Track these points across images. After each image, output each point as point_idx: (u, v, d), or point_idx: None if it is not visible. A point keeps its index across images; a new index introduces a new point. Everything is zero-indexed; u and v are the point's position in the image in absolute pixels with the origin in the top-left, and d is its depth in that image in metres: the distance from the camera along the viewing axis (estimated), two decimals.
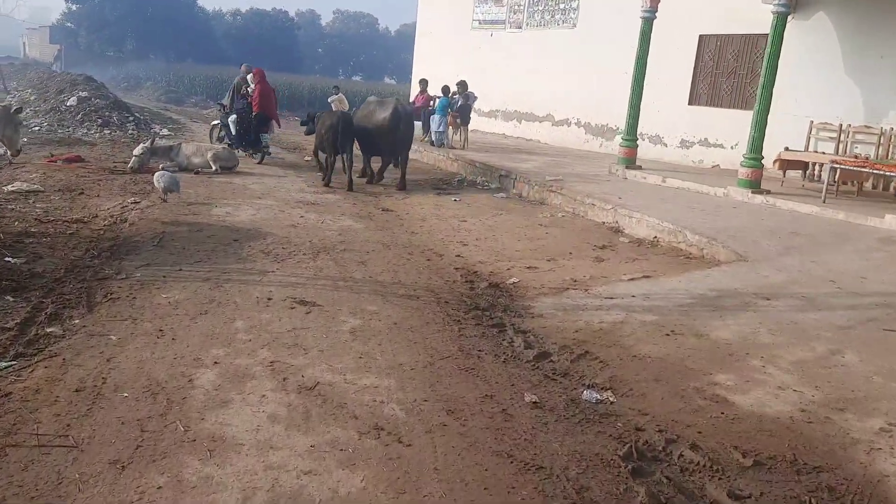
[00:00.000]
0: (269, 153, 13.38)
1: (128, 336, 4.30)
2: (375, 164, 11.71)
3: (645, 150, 14.36)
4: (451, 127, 14.43)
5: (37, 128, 16.15)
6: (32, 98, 22.74)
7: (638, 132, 14.53)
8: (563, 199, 9.64)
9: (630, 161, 11.46)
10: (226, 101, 14.04)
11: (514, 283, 6.21)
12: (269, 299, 5.20)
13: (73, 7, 60.33)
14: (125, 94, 36.18)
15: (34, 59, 60.93)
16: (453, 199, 10.24)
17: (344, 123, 10.63)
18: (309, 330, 4.63)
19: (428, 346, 4.56)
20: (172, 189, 8.42)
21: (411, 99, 21.29)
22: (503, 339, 4.82)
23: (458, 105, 14.22)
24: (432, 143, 14.45)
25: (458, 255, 7.07)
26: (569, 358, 4.53)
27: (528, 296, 5.86)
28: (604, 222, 8.71)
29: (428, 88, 16.09)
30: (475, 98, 14.71)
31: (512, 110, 19.13)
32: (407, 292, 5.70)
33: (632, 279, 6.25)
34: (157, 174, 8.59)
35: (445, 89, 14.25)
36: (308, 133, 12.29)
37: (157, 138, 11.77)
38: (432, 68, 21.21)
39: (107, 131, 16.17)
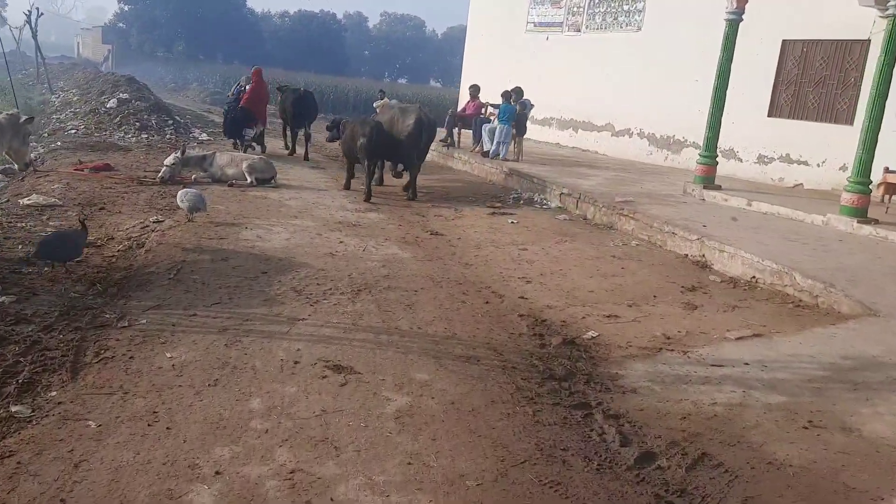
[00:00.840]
0: (253, 147, 13.82)
1: (111, 421, 3.35)
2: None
3: (731, 167, 13.10)
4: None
5: (73, 130, 15.60)
6: (75, 99, 22.43)
7: (728, 147, 13.28)
8: (636, 224, 8.48)
9: (708, 180, 10.22)
10: (229, 99, 15.37)
11: (592, 338, 5.11)
12: (297, 362, 4.20)
13: (125, 7, 61.05)
14: (171, 95, 36.04)
15: (86, 59, 61.89)
16: (510, 220, 9.16)
17: (378, 132, 10.26)
18: (343, 414, 3.61)
19: (496, 440, 3.50)
20: (198, 208, 7.54)
21: (460, 106, 20.31)
22: (591, 429, 3.73)
23: (516, 113, 13.12)
24: (485, 155, 13.38)
25: (522, 297, 5.99)
26: (682, 463, 3.43)
27: (613, 358, 4.76)
28: (687, 255, 7.54)
29: (480, 95, 15.03)
30: (531, 106, 13.58)
31: (568, 119, 17.97)
32: (465, 351, 4.65)
33: (740, 338, 5.10)
34: (180, 192, 7.71)
35: (507, 95, 13.17)
36: (331, 140, 12.03)
37: (188, 148, 10.87)
38: (483, 73, 20.18)
39: (144, 135, 15.52)
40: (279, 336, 4.60)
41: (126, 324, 4.60)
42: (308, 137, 14.48)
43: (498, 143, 13.16)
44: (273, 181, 10.69)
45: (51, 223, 7.27)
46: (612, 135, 16.51)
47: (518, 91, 13.55)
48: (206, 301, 5.18)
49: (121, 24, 62.28)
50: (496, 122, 13.49)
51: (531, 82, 16.37)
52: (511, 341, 4.94)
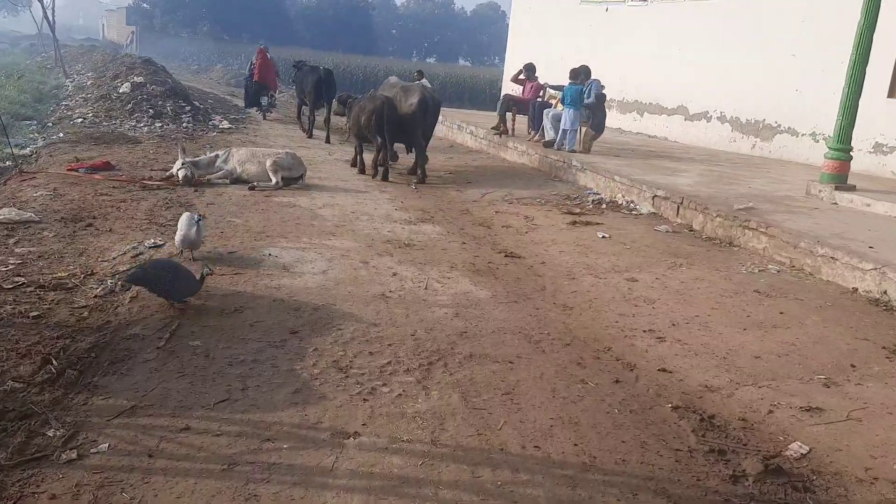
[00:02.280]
0: (270, 111, 17.45)
1: None
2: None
3: (817, 153, 11.09)
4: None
5: (79, 119, 13.98)
6: (89, 83, 20.86)
7: (810, 130, 11.28)
8: (769, 241, 6.55)
9: (840, 179, 8.21)
10: (247, 71, 18.75)
11: (804, 456, 3.26)
12: None
13: None
14: (194, 77, 34.49)
15: (110, 41, 60.74)
16: (599, 233, 7.27)
17: (389, 109, 9.77)
18: None
19: None
20: (190, 243, 5.65)
21: (505, 88, 18.37)
22: None
23: (596, 96, 11.15)
24: (547, 145, 11.46)
25: (663, 369, 4.15)
26: None
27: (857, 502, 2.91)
28: (856, 289, 5.62)
29: (537, 75, 13.09)
30: (601, 87, 11.56)
31: (631, 100, 15.94)
32: (621, 498, 2.84)
33: None
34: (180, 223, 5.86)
35: (575, 73, 11.20)
36: (339, 114, 12.17)
37: (186, 152, 9.02)
38: (531, 51, 18.22)
39: (158, 124, 13.86)
40: (319, 482, 2.81)
41: (74, 455, 2.86)
42: (328, 120, 14.17)
43: (564, 131, 11.23)
44: (302, 180, 8.92)
45: (18, 249, 5.58)
46: (685, 119, 14.47)
47: (585, 70, 11.56)
48: (208, 395, 3.43)
49: (144, 5, 61.01)
50: (560, 106, 11.55)
51: (587, 60, 14.37)
52: (682, 471, 3.11)
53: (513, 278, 5.74)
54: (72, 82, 22.58)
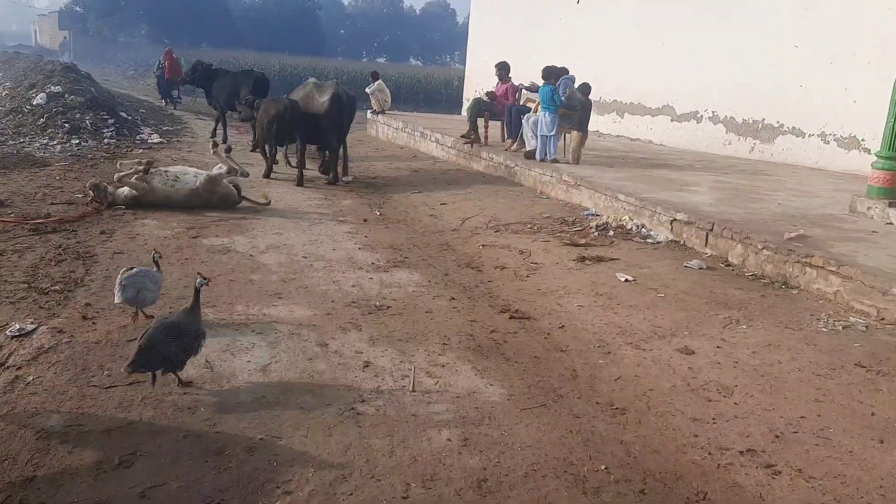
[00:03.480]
0: (179, 101, 21.70)
1: None
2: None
3: (828, 156, 9.89)
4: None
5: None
6: (3, 94, 18.61)
7: (818, 131, 10.04)
8: (842, 284, 5.13)
9: (893, 193, 6.87)
10: (156, 71, 23.48)
11: None
12: None
13: None
14: (130, 83, 32.20)
15: (42, 47, 57.34)
16: (619, 275, 5.76)
17: (293, 112, 9.53)
18: None
19: None
20: (138, 301, 4.23)
21: (467, 90, 16.90)
22: None
23: (567, 97, 9.66)
24: (529, 156, 9.94)
25: None
26: None
27: None
28: None
29: (510, 75, 11.57)
30: (571, 85, 10.01)
31: (609, 100, 14.58)
32: None
33: None
34: (120, 275, 4.24)
35: (549, 72, 9.70)
36: (244, 120, 11.75)
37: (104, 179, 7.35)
38: (494, 48, 16.79)
39: (75, 141, 11.95)
40: None
41: None
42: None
43: (544, 138, 9.72)
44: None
45: None
46: (671, 120, 13.16)
47: (557, 70, 10.01)
48: None
49: (77, 9, 57.80)
50: (539, 111, 10.06)
51: (559, 57, 12.96)
52: None
53: (529, 358, 4.18)
54: None
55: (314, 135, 9.92)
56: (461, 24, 77.75)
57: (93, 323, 4.27)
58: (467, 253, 6.54)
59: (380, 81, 16.60)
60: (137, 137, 13.16)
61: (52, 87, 15.16)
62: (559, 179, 8.89)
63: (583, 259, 6.22)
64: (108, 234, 6.42)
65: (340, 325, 4.49)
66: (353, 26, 73.19)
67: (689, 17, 12.57)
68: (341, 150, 10.21)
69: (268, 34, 56.39)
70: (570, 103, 9.68)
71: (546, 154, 9.74)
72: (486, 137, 11.42)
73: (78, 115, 13.16)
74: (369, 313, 4.73)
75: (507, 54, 16.47)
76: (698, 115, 12.50)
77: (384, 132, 16.12)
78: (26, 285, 4.97)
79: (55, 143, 11.80)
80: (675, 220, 6.80)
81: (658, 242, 6.81)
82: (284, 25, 57.92)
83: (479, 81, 19.00)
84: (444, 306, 4.99)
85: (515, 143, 10.66)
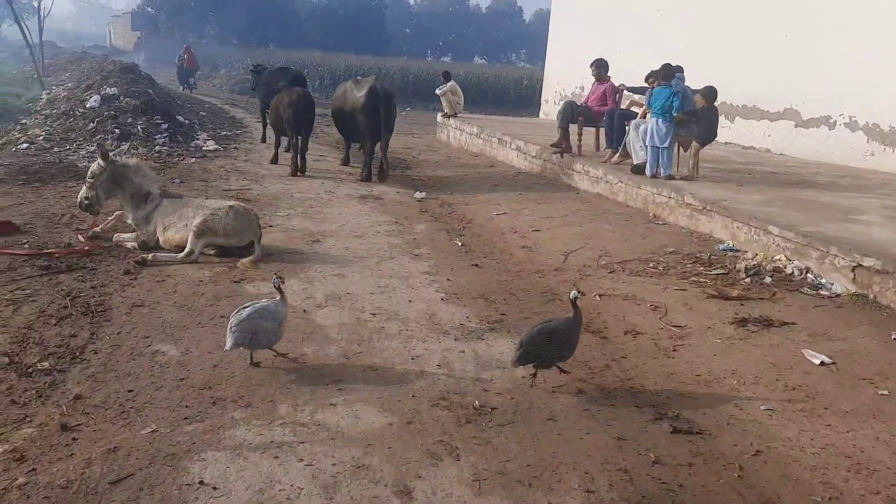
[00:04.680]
0: (195, 87, 26.15)
1: None
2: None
3: None
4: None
5: (25, 144, 11.04)
6: (62, 94, 18.00)
7: None
8: None
9: None
10: (177, 62, 27.42)
11: None
12: None
13: None
14: (198, 82, 31.70)
15: (115, 48, 58.29)
16: (811, 355, 4.10)
17: (305, 102, 9.74)
18: None
19: None
20: (254, 345, 3.69)
21: (546, 92, 15.39)
22: None
23: (679, 102, 8.00)
24: (638, 171, 8.32)
25: None
26: None
27: None
28: None
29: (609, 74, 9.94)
30: (714, 93, 8.39)
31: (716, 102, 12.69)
32: None
33: None
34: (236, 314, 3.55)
35: (667, 71, 8.08)
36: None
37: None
38: (578, 42, 15.22)
39: (124, 147, 10.90)
40: None
41: None
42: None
43: (655, 149, 8.09)
44: (255, 249, 5.76)
45: None
46: (795, 125, 11.26)
47: (666, 70, 8.34)
48: None
49: (149, 9, 58.53)
50: (649, 116, 8.43)
51: (652, 52, 11.30)
52: None
53: None
54: (47, 94, 19.76)
55: (353, 131, 9.90)
56: (528, 23, 75.91)
57: (72, 440, 2.94)
58: (583, 307, 5.01)
59: (452, 82, 15.16)
60: (192, 144, 12.07)
61: (107, 89, 14.31)
62: (680, 201, 7.26)
63: (743, 322, 4.62)
64: (134, 275, 5.17)
65: (427, 446, 3.03)
66: (418, 25, 72.30)
67: (820, 2, 10.68)
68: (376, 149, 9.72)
69: (334, 34, 55.97)
70: (691, 111, 8.03)
71: (658, 169, 8.11)
72: (579, 146, 9.84)
73: (130, 120, 12.17)
74: (467, 422, 3.27)
75: (590, 50, 14.81)
76: (830, 121, 10.59)
77: (456, 137, 14.69)
78: (8, 359, 3.71)
79: None
80: (860, 265, 5.10)
81: (836, 296, 5.13)
82: (350, 25, 57.39)
83: (559, 81, 17.39)
84: (572, 409, 3.48)
85: (617, 155, 9.04)
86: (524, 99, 32.14)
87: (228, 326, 3.64)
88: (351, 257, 5.94)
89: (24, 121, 14.39)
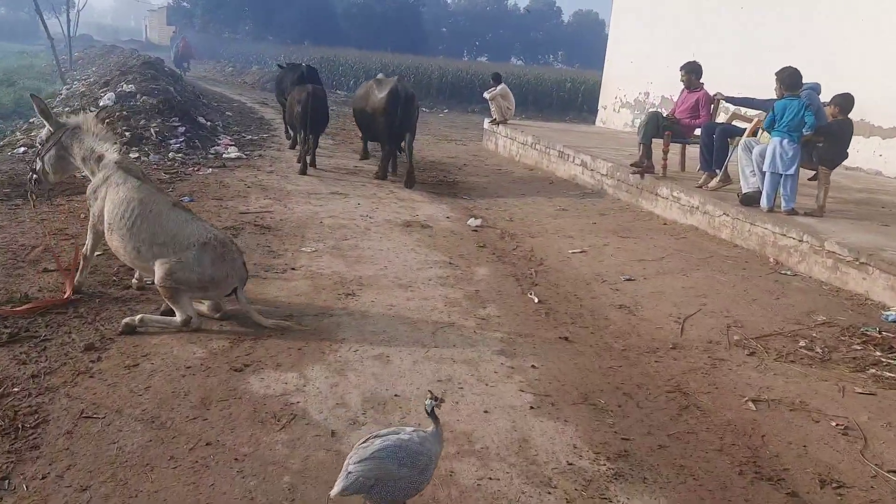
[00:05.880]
0: (188, 70, 28.65)
1: None
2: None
3: None
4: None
5: (23, 148, 9.75)
6: (81, 90, 16.84)
7: None
8: None
9: None
10: (173, 49, 31.35)
11: None
12: None
13: None
14: (227, 79, 30.63)
15: (151, 43, 57.75)
16: None
17: (315, 101, 9.49)
18: None
19: None
20: (371, 497, 2.32)
21: (607, 98, 13.91)
22: None
23: (813, 118, 6.34)
24: (749, 202, 6.67)
25: None
26: None
27: None
28: None
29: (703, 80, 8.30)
30: (850, 102, 6.72)
31: None
32: None
33: None
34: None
35: (794, 79, 6.45)
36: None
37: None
38: (641, 43, 13.60)
39: (135, 154, 9.54)
40: None
41: None
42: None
43: (776, 176, 6.43)
44: (238, 294, 4.22)
45: None
46: None
47: (792, 75, 6.67)
48: None
49: (185, 4, 57.98)
50: (764, 135, 6.80)
51: (735, 53, 9.57)
52: None
53: None
54: (67, 89, 18.64)
55: (374, 132, 9.82)
56: (567, 24, 74.03)
57: None
58: (732, 424, 3.42)
59: (503, 85, 13.62)
60: (211, 150, 10.69)
61: (123, 86, 13.05)
62: (818, 247, 5.61)
63: None
64: (98, 353, 3.70)
65: None
66: (455, 24, 70.95)
67: None
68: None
69: (370, 32, 54.86)
70: (824, 126, 6.38)
71: (779, 201, 6.46)
72: (664, 166, 8.21)
73: (143, 122, 10.81)
74: None
75: (657, 53, 13.26)
76: None
77: (506, 147, 13.13)
78: None
79: None
80: None
81: None
82: (387, 23, 56.21)
83: (619, 87, 15.71)
84: None
85: (716, 179, 7.41)
86: (567, 102, 30.49)
87: (346, 460, 2.39)
88: (397, 324, 4.41)
89: (32, 119, 13.18)
